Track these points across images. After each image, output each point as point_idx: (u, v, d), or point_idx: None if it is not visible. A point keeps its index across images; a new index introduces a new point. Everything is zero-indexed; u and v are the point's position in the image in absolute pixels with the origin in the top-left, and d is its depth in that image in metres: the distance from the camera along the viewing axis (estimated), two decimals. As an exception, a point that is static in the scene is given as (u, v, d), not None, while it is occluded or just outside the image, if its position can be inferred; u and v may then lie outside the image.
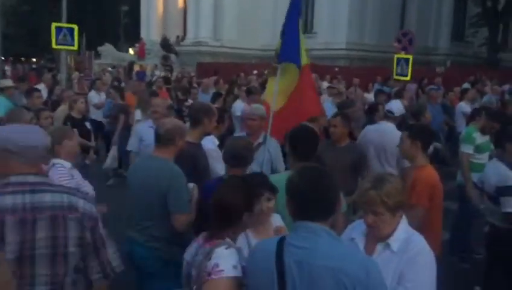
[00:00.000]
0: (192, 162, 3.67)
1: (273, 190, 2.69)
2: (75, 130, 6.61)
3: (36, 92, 8.03)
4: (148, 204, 3.29)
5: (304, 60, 4.69)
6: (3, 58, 27.67)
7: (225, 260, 2.05)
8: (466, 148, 5.69)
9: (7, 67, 24.55)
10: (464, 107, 9.35)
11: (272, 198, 2.69)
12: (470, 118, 6.44)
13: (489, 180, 4.37)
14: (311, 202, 1.90)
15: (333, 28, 25.33)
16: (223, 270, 2.01)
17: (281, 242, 1.93)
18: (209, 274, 2.03)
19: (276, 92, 4.65)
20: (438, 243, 3.49)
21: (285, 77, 4.67)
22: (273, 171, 4.38)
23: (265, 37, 25.99)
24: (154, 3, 32.67)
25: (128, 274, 3.74)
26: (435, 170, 3.65)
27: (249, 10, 28.05)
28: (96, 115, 10.03)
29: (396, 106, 5.81)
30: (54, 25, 10.81)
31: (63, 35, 10.85)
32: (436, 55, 27.36)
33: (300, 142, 3.16)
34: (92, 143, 7.16)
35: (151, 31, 32.31)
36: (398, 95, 8.58)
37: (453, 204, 6.29)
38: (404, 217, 2.40)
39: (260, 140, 4.73)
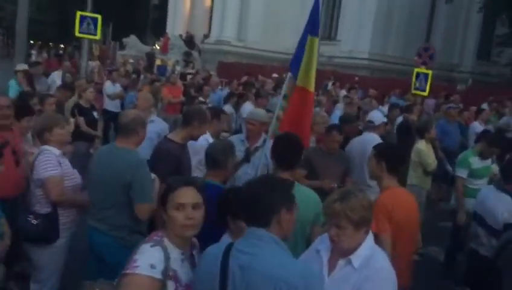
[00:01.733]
0: (175, 163, 3.70)
1: None
2: (82, 118, 6.83)
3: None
4: (110, 192, 3.29)
5: (303, 81, 4.42)
6: (31, 42, 28.19)
7: (144, 256, 2.01)
8: (460, 172, 5.52)
9: (33, 52, 25.00)
10: (478, 127, 9.18)
11: None
12: (478, 139, 6.29)
13: (496, 215, 4.11)
14: (249, 208, 2.00)
15: (357, 37, 25.09)
16: (137, 267, 1.97)
17: (229, 247, 1.95)
18: (127, 268, 2.00)
19: (281, 97, 4.68)
20: (405, 273, 3.17)
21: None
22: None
23: (289, 41, 25.67)
24: (182, -1, 32.98)
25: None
26: (402, 191, 3.41)
27: (274, 13, 27.97)
28: (111, 105, 10.16)
29: (377, 115, 5.77)
30: (78, 13, 10.92)
31: (87, 24, 10.97)
32: (459, 73, 26.86)
33: (281, 151, 3.13)
34: (98, 132, 7.28)
35: (176, 26, 32.51)
36: (408, 110, 8.50)
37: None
38: (371, 233, 2.38)
39: (258, 144, 4.75)
